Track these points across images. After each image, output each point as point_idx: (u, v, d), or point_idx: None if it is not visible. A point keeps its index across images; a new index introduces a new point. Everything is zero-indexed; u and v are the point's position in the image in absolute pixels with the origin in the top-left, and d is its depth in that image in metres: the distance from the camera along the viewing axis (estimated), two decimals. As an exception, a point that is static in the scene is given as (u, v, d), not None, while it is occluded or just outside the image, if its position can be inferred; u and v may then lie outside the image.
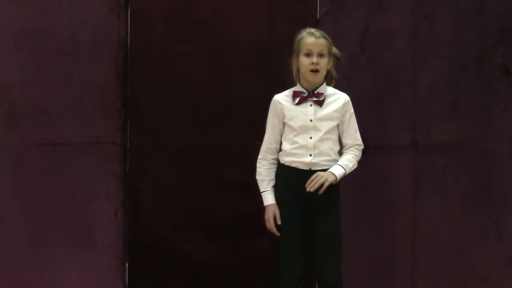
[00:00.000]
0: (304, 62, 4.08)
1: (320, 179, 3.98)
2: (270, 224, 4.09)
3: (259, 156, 4.18)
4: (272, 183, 4.14)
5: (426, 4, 4.77)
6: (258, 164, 4.18)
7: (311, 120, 4.07)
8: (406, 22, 4.78)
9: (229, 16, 4.88)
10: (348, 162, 4.08)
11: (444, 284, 4.75)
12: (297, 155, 4.07)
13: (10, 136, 4.89)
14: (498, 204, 4.72)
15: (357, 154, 4.13)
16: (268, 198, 4.12)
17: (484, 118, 4.73)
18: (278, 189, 4.11)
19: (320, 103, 4.09)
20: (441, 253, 4.74)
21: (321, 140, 4.07)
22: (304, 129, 4.07)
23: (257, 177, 4.17)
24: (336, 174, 4.02)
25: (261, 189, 4.15)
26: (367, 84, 4.77)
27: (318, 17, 4.82)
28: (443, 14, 4.76)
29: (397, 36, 4.78)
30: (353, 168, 4.11)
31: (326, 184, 3.98)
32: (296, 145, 4.08)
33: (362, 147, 4.16)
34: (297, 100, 4.10)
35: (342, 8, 4.79)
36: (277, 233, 4.08)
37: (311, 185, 3.98)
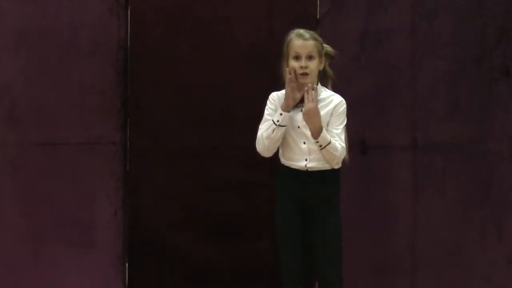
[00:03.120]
0: (293, 65, 4.00)
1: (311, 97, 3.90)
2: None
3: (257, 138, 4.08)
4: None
5: (426, 4, 4.77)
6: (259, 131, 4.01)
7: (298, 127, 4.02)
8: (406, 22, 4.77)
9: (229, 16, 4.88)
10: (334, 142, 3.93)
11: (444, 284, 4.75)
12: (293, 159, 4.04)
13: (10, 136, 4.89)
14: (498, 204, 4.71)
15: (339, 148, 3.95)
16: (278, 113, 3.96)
17: (484, 118, 4.73)
18: (277, 189, 4.09)
19: None
20: (441, 253, 4.74)
21: (314, 145, 4.01)
22: (295, 135, 4.02)
23: (260, 131, 3.99)
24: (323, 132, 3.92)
25: (270, 121, 3.95)
26: (367, 84, 4.76)
27: (318, 17, 4.82)
28: (443, 14, 4.76)
29: (397, 36, 4.77)
30: (332, 151, 3.92)
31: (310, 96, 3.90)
32: (290, 149, 4.04)
33: (345, 151, 3.99)
34: None
35: (342, 8, 4.79)
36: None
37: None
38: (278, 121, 3.96)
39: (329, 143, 3.92)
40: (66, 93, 4.88)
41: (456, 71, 4.75)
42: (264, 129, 4.00)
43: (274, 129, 3.97)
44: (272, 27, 4.87)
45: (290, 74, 3.95)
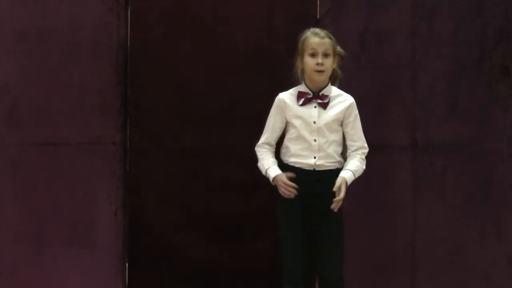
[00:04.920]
0: (309, 62, 4.07)
1: (341, 197, 4.01)
2: (288, 183, 4.02)
3: (258, 145, 4.19)
4: (276, 163, 4.12)
5: (426, 4, 4.77)
6: (258, 153, 4.18)
7: (314, 122, 4.07)
8: (406, 22, 4.78)
9: (229, 16, 4.88)
10: (357, 168, 4.09)
11: (444, 284, 4.75)
12: (301, 157, 4.07)
13: (10, 136, 4.89)
14: (498, 204, 4.72)
15: (363, 158, 4.14)
16: (274, 171, 4.08)
17: (484, 118, 4.74)
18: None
19: (324, 106, 4.09)
20: (441, 253, 4.75)
21: (325, 143, 4.06)
22: (308, 131, 4.07)
23: (260, 162, 4.15)
24: (348, 180, 4.05)
25: (266, 167, 4.12)
26: (367, 84, 4.77)
27: (318, 17, 4.82)
28: (443, 14, 4.76)
29: (397, 36, 4.78)
30: (360, 173, 4.14)
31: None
32: (300, 147, 4.08)
33: (367, 150, 4.16)
34: (301, 101, 4.10)
35: (342, 8, 4.79)
36: (295, 191, 4.03)
37: (336, 205, 4.01)
38: (268, 177, 4.12)
39: (354, 176, 4.08)
40: (66, 93, 4.87)
41: (456, 71, 4.75)
42: (259, 165, 4.16)
43: (264, 175, 4.15)
44: (272, 27, 4.87)
45: (285, 189, 4.05)
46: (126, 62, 4.89)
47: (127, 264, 4.90)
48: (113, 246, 4.85)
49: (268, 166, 4.12)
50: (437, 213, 4.75)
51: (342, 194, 3.99)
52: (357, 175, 4.09)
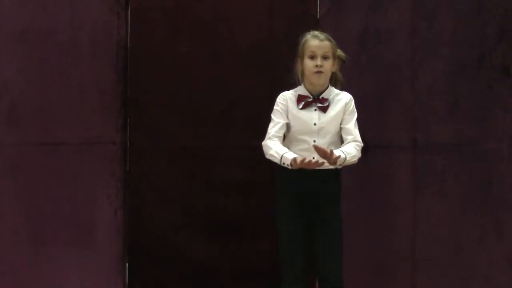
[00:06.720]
0: (308, 64, 4.09)
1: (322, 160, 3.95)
2: (309, 160, 3.94)
3: (266, 139, 4.11)
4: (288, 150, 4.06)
5: (426, 4, 4.77)
6: (268, 145, 4.09)
7: (315, 124, 4.08)
8: (406, 22, 4.78)
9: (229, 16, 4.88)
10: (350, 150, 4.03)
11: (444, 284, 4.75)
12: (300, 157, 4.06)
13: (10, 136, 4.89)
14: (498, 204, 4.72)
15: (358, 149, 4.10)
16: (291, 154, 3.99)
17: (484, 118, 4.74)
18: (279, 188, 4.11)
19: (324, 109, 4.09)
20: (441, 253, 4.75)
21: (324, 144, 4.06)
22: (307, 132, 4.07)
23: (271, 151, 4.06)
24: (335, 154, 3.95)
25: (281, 152, 4.02)
26: (367, 84, 4.77)
27: (318, 17, 4.82)
28: (443, 14, 4.76)
29: (397, 36, 4.78)
30: (353, 161, 4.06)
31: (320, 162, 3.94)
32: (299, 147, 4.08)
33: (362, 145, 4.14)
34: (301, 104, 4.10)
35: (342, 8, 4.79)
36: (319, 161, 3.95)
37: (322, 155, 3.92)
38: (284, 163, 4.01)
39: (345, 158, 4.00)
40: (66, 93, 4.88)
41: (456, 71, 4.75)
42: (272, 153, 4.05)
43: (278, 162, 4.04)
44: (272, 27, 4.87)
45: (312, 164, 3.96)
46: (126, 62, 4.89)
47: (127, 264, 4.90)
48: (113, 246, 4.85)
49: (283, 151, 4.03)
50: (437, 213, 4.75)
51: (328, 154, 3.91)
52: (348, 158, 4.00)
